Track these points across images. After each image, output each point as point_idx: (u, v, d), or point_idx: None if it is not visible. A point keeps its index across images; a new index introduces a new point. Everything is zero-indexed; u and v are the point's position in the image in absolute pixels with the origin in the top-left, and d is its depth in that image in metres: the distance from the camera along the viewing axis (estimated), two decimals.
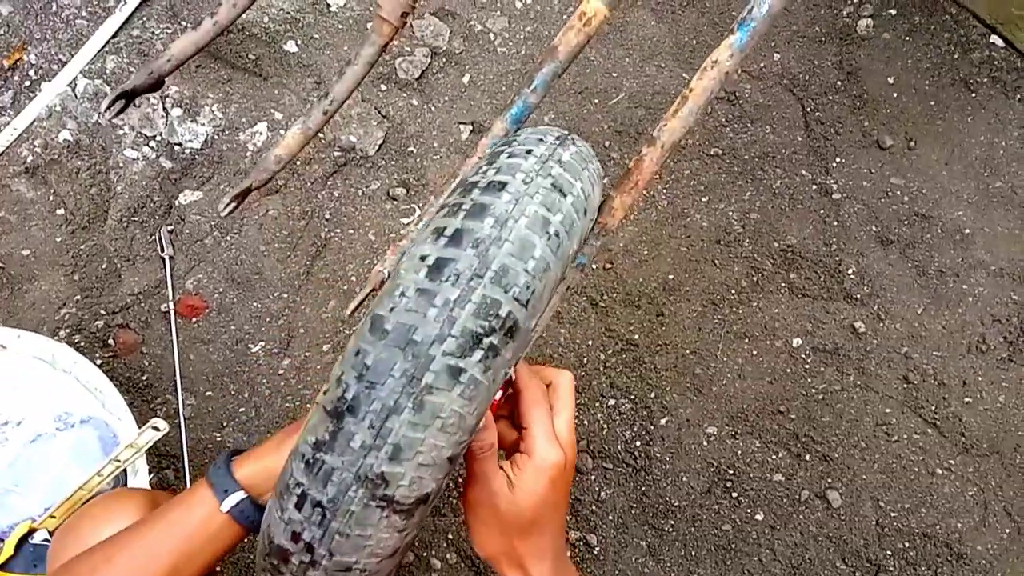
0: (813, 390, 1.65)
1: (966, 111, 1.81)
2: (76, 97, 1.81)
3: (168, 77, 1.03)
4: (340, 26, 1.92)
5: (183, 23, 1.88)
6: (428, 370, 0.62)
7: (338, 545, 0.65)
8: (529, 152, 0.73)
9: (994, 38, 1.84)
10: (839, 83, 1.85)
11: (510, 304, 0.66)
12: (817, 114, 1.83)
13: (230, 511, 0.84)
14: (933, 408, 1.62)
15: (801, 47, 1.89)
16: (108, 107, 0.98)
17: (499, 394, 0.80)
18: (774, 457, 1.61)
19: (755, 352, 1.68)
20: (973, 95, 1.81)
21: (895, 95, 1.83)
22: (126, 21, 1.86)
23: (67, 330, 1.69)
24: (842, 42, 1.88)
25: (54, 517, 1.41)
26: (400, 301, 0.64)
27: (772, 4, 0.97)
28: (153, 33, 1.87)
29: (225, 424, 1.67)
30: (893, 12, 1.89)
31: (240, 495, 0.85)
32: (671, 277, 1.73)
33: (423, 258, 0.66)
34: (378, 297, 0.68)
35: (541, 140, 0.75)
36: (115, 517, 1.12)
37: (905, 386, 1.64)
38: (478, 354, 0.64)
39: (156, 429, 1.40)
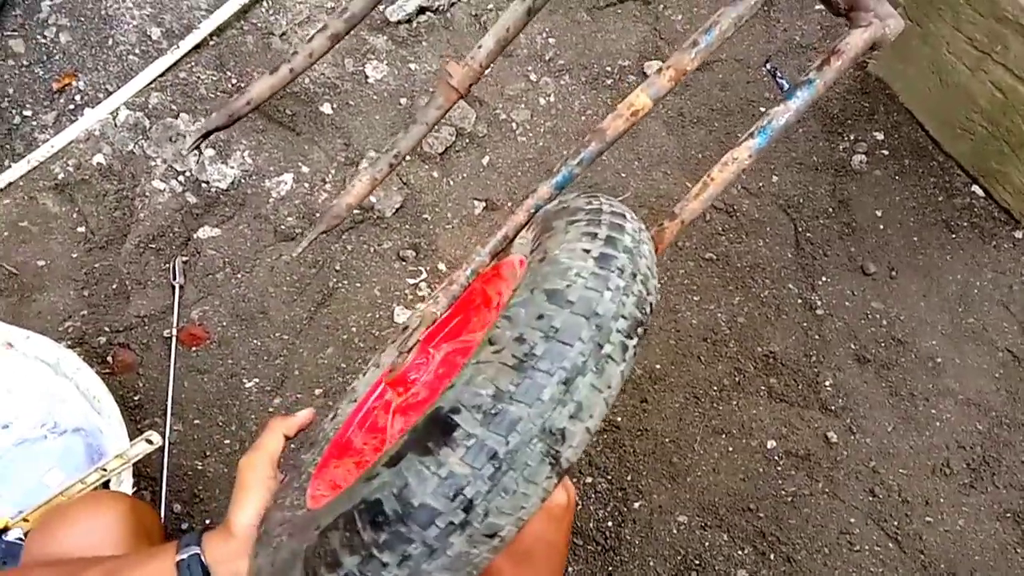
0: (783, 492, 1.70)
1: (946, 250, 1.93)
2: (116, 125, 1.90)
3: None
4: (375, 97, 2.04)
5: (228, 72, 1.99)
6: (608, 341, 0.69)
7: (500, 503, 0.65)
8: (624, 212, 0.83)
9: (975, 188, 1.99)
10: (830, 209, 1.98)
11: (649, 307, 0.75)
12: (808, 235, 1.95)
13: (178, 562, 0.84)
14: (896, 523, 1.68)
15: (798, 173, 2.03)
16: (192, 148, 1.06)
17: None
18: (740, 553, 1.65)
19: (731, 449, 1.74)
20: (953, 236, 1.94)
21: (881, 227, 1.96)
22: (175, 63, 1.98)
23: (68, 342, 1.72)
24: (836, 173, 2.03)
25: (27, 520, 1.41)
26: (577, 280, 0.71)
27: (788, 118, 1.09)
28: (199, 78, 1.98)
29: (208, 453, 1.69)
30: (886, 152, 2.04)
31: (196, 550, 0.85)
32: (658, 367, 1.80)
33: (587, 251, 0.74)
34: (541, 275, 0.75)
35: (624, 214, 0.84)
36: (91, 522, 1.08)
37: (871, 499, 1.70)
38: (635, 339, 0.72)
39: (149, 442, 1.42)
